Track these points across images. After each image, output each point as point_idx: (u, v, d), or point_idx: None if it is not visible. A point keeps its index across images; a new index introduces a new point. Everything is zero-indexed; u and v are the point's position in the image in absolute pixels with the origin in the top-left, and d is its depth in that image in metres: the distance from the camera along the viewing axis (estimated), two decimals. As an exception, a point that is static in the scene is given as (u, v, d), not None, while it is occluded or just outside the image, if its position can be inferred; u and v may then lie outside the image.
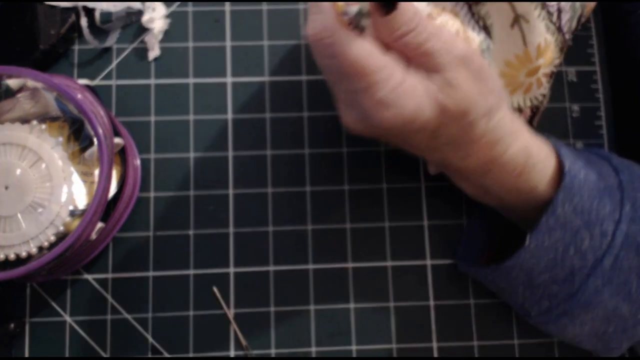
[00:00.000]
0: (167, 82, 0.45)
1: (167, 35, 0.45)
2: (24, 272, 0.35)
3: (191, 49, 0.45)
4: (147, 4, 0.45)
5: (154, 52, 0.45)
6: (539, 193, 0.34)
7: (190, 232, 0.43)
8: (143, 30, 0.45)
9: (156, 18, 0.45)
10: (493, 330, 0.42)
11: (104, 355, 0.41)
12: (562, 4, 0.36)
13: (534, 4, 0.35)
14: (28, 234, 0.36)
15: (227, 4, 0.46)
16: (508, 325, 0.42)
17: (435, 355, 0.42)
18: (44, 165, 0.37)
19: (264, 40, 0.45)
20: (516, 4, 0.35)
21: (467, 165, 0.34)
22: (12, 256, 0.36)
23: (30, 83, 0.39)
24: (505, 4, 0.35)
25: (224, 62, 0.45)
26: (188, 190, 0.43)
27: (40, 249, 0.37)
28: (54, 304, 0.41)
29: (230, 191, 0.43)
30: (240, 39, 0.45)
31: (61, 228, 0.37)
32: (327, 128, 0.44)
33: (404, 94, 0.30)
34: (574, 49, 0.46)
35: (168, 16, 0.45)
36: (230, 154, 0.44)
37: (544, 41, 0.36)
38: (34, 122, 0.38)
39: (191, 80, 0.45)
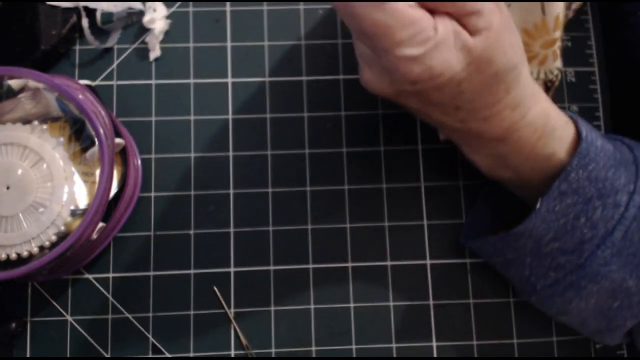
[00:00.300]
0: (168, 82, 0.45)
1: (168, 35, 0.45)
2: (25, 272, 0.35)
3: (192, 49, 0.45)
4: (148, 4, 0.45)
5: (154, 53, 0.45)
6: (556, 160, 0.34)
7: (191, 232, 0.43)
8: (144, 30, 0.45)
9: (157, 18, 0.45)
10: (492, 329, 0.42)
11: (105, 354, 0.41)
12: None
13: None
14: (29, 234, 0.37)
15: (228, 4, 0.46)
16: (507, 325, 0.42)
17: (435, 354, 0.42)
18: (45, 165, 0.37)
19: (264, 41, 0.46)
20: None
21: (486, 129, 0.33)
22: (13, 256, 0.37)
23: (32, 83, 0.39)
24: None
25: (224, 62, 0.45)
26: (189, 190, 0.43)
27: (42, 248, 0.37)
28: (55, 304, 0.41)
29: (231, 191, 0.43)
30: (240, 39, 0.46)
31: (62, 228, 0.37)
32: (327, 128, 0.44)
33: (435, 47, 0.28)
34: (572, 50, 0.46)
35: (169, 17, 0.46)
36: (231, 154, 0.44)
37: (562, 14, 0.35)
38: (35, 123, 0.38)
39: (192, 81, 0.45)
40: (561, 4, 0.35)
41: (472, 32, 0.29)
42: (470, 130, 0.34)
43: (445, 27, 0.29)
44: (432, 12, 0.29)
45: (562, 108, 0.45)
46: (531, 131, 0.33)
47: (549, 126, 0.33)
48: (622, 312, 0.35)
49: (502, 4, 0.31)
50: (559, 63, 0.37)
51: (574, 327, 0.39)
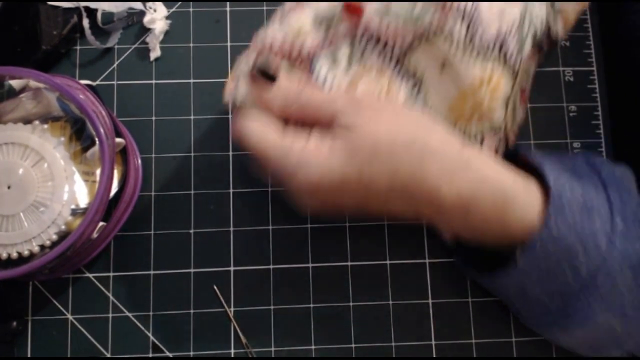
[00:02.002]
0: (168, 82, 0.45)
1: (168, 35, 0.46)
2: (26, 271, 0.36)
3: (192, 49, 0.45)
4: (149, 4, 0.45)
5: (155, 53, 0.45)
6: (529, 224, 0.33)
7: (191, 231, 0.43)
8: (144, 30, 0.45)
9: (157, 19, 0.45)
10: (491, 328, 0.42)
11: (105, 353, 0.41)
12: (502, 34, 0.35)
13: (452, 47, 0.35)
14: (30, 233, 0.37)
15: (228, 4, 0.46)
16: (506, 324, 0.42)
17: (434, 352, 0.42)
18: (46, 165, 0.38)
19: (264, 41, 0.46)
20: (435, 50, 0.35)
21: (439, 209, 0.33)
22: (14, 255, 0.37)
23: (33, 83, 0.39)
24: (429, 52, 0.36)
25: (224, 62, 0.45)
26: (189, 189, 0.43)
27: (42, 247, 0.37)
28: (55, 302, 0.42)
29: (231, 190, 0.43)
30: (240, 39, 0.46)
31: (63, 227, 0.37)
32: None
33: (307, 157, 0.31)
34: (571, 50, 0.46)
35: (169, 17, 0.46)
36: (231, 153, 0.44)
37: (480, 76, 0.35)
38: (36, 122, 0.39)
39: (192, 81, 0.45)
40: (474, 70, 0.35)
41: (340, 131, 0.32)
42: (427, 217, 0.34)
43: (314, 138, 0.32)
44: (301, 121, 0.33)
45: (561, 107, 0.45)
46: (490, 204, 0.32)
47: (509, 195, 0.33)
48: (609, 346, 0.35)
49: (364, 95, 0.34)
50: (498, 115, 0.37)
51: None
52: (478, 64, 0.35)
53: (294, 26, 0.34)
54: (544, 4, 0.37)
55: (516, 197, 0.33)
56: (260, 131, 0.33)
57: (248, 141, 0.33)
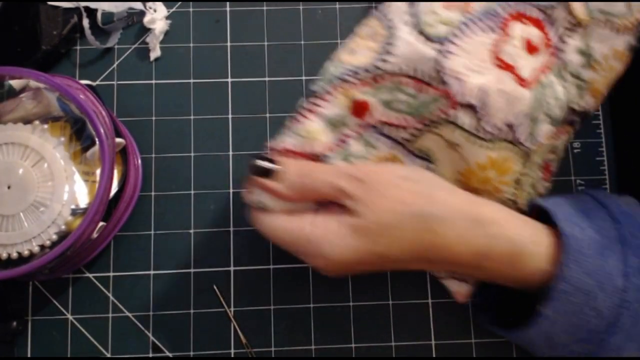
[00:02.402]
0: (168, 82, 0.45)
1: (168, 35, 0.46)
2: (26, 271, 0.36)
3: (192, 50, 0.45)
4: (149, 4, 0.45)
5: (155, 53, 0.45)
6: (543, 273, 0.33)
7: (191, 231, 0.43)
8: (144, 30, 0.45)
9: (157, 19, 0.45)
10: (491, 328, 0.42)
11: (105, 353, 0.41)
12: (511, 119, 0.34)
13: (457, 132, 0.35)
14: (30, 233, 0.37)
15: (228, 4, 0.46)
16: (506, 324, 0.42)
17: (434, 352, 0.42)
18: (46, 165, 0.38)
19: (264, 41, 0.46)
20: (442, 134, 0.36)
21: (457, 269, 0.35)
22: (14, 255, 0.37)
23: (33, 83, 0.39)
24: (435, 137, 0.36)
25: (224, 62, 0.45)
26: (189, 189, 0.43)
27: (42, 247, 0.37)
28: (55, 302, 0.42)
29: (231, 190, 0.44)
30: (240, 39, 0.46)
31: (63, 227, 0.37)
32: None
33: (318, 240, 0.33)
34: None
35: (169, 17, 0.46)
36: (231, 153, 0.44)
37: (487, 158, 0.35)
38: (36, 122, 0.39)
39: (192, 81, 0.45)
40: (481, 153, 0.35)
41: (348, 210, 0.33)
42: (444, 270, 0.37)
43: (323, 219, 0.34)
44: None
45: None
46: (501, 257, 0.33)
47: (517, 248, 0.33)
48: None
49: (368, 172, 0.34)
50: (508, 194, 0.37)
51: None
52: (485, 147, 0.35)
53: (304, 132, 0.35)
54: (562, 84, 0.36)
55: (530, 248, 0.33)
56: (270, 221, 0.35)
57: (264, 231, 0.35)
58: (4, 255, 0.37)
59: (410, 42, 0.34)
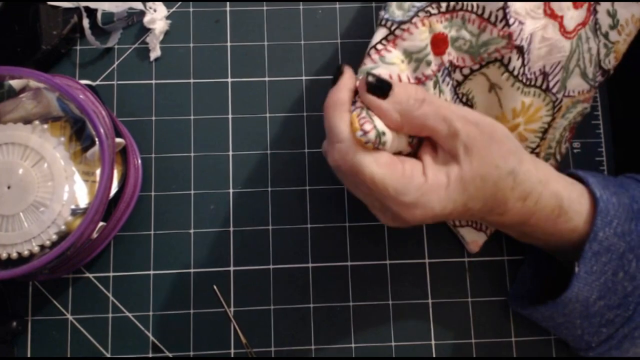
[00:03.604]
0: (168, 82, 0.45)
1: (168, 35, 0.46)
2: (26, 271, 0.36)
3: (192, 49, 0.45)
4: (149, 4, 0.45)
5: (155, 53, 0.45)
6: (580, 232, 0.34)
7: (191, 231, 0.43)
8: (144, 30, 0.45)
9: (157, 19, 0.45)
10: (491, 328, 0.42)
11: (105, 353, 0.41)
12: (547, 69, 0.37)
13: (505, 74, 0.36)
14: (30, 233, 0.37)
15: (228, 4, 0.46)
16: (506, 323, 0.42)
17: (434, 352, 0.42)
18: (46, 165, 0.38)
19: (264, 41, 0.46)
20: (489, 74, 0.37)
21: (504, 221, 0.35)
22: (14, 255, 0.37)
23: (33, 83, 0.39)
24: (481, 78, 0.37)
25: (224, 62, 0.45)
26: (189, 189, 0.43)
27: (42, 247, 0.37)
28: (55, 303, 0.42)
29: (230, 190, 0.44)
30: (240, 39, 0.46)
31: (63, 227, 0.37)
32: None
33: (429, 192, 0.32)
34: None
35: (169, 17, 0.46)
36: (231, 153, 0.44)
37: (520, 104, 0.37)
38: (36, 122, 0.39)
39: (192, 81, 0.45)
40: (518, 97, 0.37)
41: (455, 156, 0.32)
42: (490, 222, 0.36)
43: (434, 170, 0.32)
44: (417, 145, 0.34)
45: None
46: (547, 213, 0.34)
47: (564, 205, 0.34)
48: None
49: (482, 117, 0.33)
50: (530, 143, 0.40)
51: None
52: (522, 92, 0.37)
53: (389, 62, 0.34)
54: (595, 41, 0.39)
55: (573, 206, 0.34)
56: (374, 159, 0.32)
57: (363, 175, 0.32)
58: (4, 255, 0.37)
59: None
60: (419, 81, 0.35)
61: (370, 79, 0.32)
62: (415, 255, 0.43)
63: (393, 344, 0.42)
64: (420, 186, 0.32)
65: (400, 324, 0.42)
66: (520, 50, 0.36)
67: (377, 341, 0.42)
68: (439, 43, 0.35)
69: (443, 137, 0.32)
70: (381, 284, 0.43)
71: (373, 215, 0.43)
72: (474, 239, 0.42)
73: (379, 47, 0.34)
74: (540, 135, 0.39)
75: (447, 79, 0.37)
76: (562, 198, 0.34)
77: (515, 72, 0.36)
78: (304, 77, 0.45)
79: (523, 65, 0.36)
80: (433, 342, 0.42)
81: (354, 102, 0.33)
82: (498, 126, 0.33)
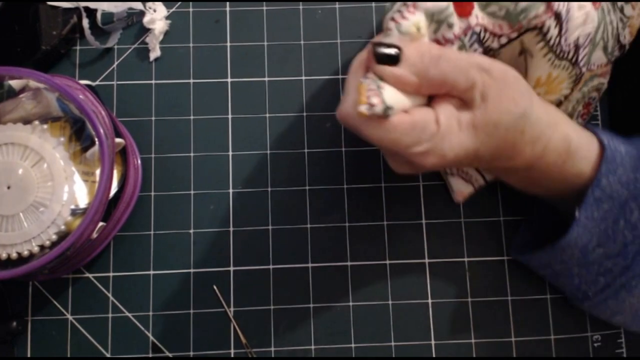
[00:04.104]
0: (168, 82, 0.45)
1: (168, 35, 0.46)
2: (25, 271, 0.36)
3: (192, 49, 0.45)
4: (148, 4, 0.45)
5: (154, 53, 0.45)
6: (585, 178, 0.34)
7: (191, 231, 0.43)
8: (144, 30, 0.45)
9: (157, 19, 0.45)
10: (491, 328, 0.42)
11: (105, 353, 0.41)
12: (580, 41, 0.36)
13: (540, 43, 0.35)
14: (30, 233, 0.37)
15: (228, 4, 0.46)
16: (506, 323, 0.42)
17: (434, 352, 0.42)
18: (45, 165, 0.38)
19: (264, 41, 0.46)
20: (524, 40, 0.36)
21: (512, 164, 0.34)
22: (14, 255, 0.37)
23: (32, 83, 0.39)
24: (515, 42, 0.36)
25: (224, 62, 0.45)
26: (188, 189, 0.43)
27: (42, 247, 0.37)
28: (55, 303, 0.42)
29: (230, 190, 0.44)
30: (240, 39, 0.46)
31: (63, 227, 0.37)
32: (326, 127, 0.45)
33: (442, 140, 0.31)
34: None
35: (169, 17, 0.46)
36: (230, 153, 0.44)
37: (546, 75, 0.37)
38: (36, 123, 0.39)
39: (192, 81, 0.45)
40: (546, 68, 0.37)
41: (470, 105, 0.31)
42: (497, 168, 0.36)
43: (446, 116, 0.31)
44: (432, 97, 0.32)
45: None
46: (555, 156, 0.34)
47: (572, 148, 0.34)
48: None
49: (492, 62, 0.32)
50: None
51: (625, 326, 0.40)
52: (551, 64, 0.37)
53: (413, 28, 0.32)
54: (615, 15, 0.39)
55: (580, 151, 0.34)
56: (383, 131, 0.31)
57: (371, 137, 0.31)
58: (4, 255, 0.37)
59: None
60: (439, 43, 0.33)
61: (377, 49, 0.31)
62: (415, 255, 0.43)
63: (393, 344, 0.42)
64: (433, 135, 0.31)
65: (400, 324, 0.42)
66: (558, 17, 0.35)
67: (377, 341, 0.42)
68: (462, 3, 0.34)
69: (462, 90, 0.32)
70: (381, 284, 0.43)
71: (373, 215, 0.43)
72: (460, 190, 0.42)
73: (396, 15, 0.32)
74: (567, 109, 0.39)
75: (476, 45, 0.35)
76: (570, 142, 0.34)
77: (552, 42, 0.35)
78: (303, 77, 0.45)
79: (560, 34, 0.35)
80: (433, 342, 0.42)
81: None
82: (509, 70, 0.32)
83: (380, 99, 0.30)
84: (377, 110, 0.30)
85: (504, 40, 0.35)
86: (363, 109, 0.30)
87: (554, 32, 0.35)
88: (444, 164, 0.32)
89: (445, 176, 0.43)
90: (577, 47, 0.37)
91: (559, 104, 0.39)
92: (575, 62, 0.37)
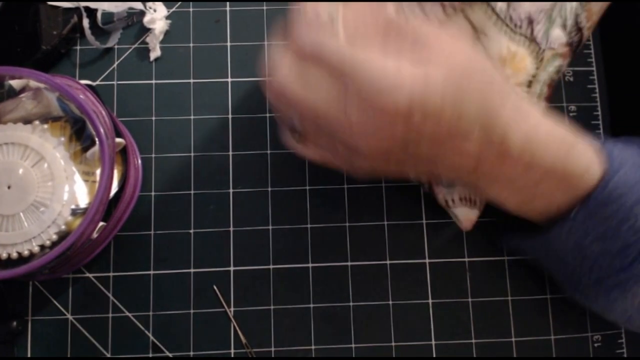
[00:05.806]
0: (168, 82, 0.45)
1: (168, 35, 0.46)
2: (26, 271, 0.36)
3: (192, 49, 0.45)
4: (149, 4, 0.45)
5: (155, 53, 0.45)
6: (591, 178, 0.33)
7: (191, 231, 0.43)
8: (144, 30, 0.45)
9: (157, 19, 0.45)
10: (491, 328, 0.42)
11: (105, 353, 0.41)
12: (533, 14, 0.36)
13: (489, 16, 0.36)
14: (30, 233, 0.37)
15: (228, 4, 0.46)
16: (506, 323, 0.42)
17: (434, 352, 0.42)
18: (46, 165, 0.38)
19: (264, 41, 0.46)
20: (472, 17, 0.36)
21: (503, 160, 0.32)
22: (14, 255, 0.37)
23: (33, 83, 0.39)
24: (463, 21, 0.36)
25: (224, 62, 0.45)
26: (189, 189, 0.43)
27: (42, 247, 0.37)
28: (55, 302, 0.42)
29: (231, 190, 0.44)
30: (240, 39, 0.46)
31: (63, 227, 0.37)
32: (326, 128, 0.45)
33: (402, 79, 0.28)
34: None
35: (169, 17, 0.46)
36: (231, 153, 0.44)
37: (506, 49, 0.37)
38: (36, 122, 0.39)
39: (192, 81, 0.45)
40: (505, 43, 0.37)
41: (412, 55, 0.29)
42: (491, 163, 0.33)
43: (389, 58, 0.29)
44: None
45: (561, 107, 0.45)
46: (558, 143, 0.33)
47: (571, 141, 0.33)
48: None
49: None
50: (524, 92, 0.39)
51: (617, 324, 0.39)
52: (508, 36, 0.37)
53: None
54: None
55: (578, 144, 0.33)
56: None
57: (324, 52, 0.29)
58: (4, 255, 0.37)
59: None
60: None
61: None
62: (415, 255, 0.43)
63: (393, 344, 0.42)
64: (396, 70, 0.29)
65: (400, 324, 0.42)
66: None
67: (377, 341, 0.42)
68: None
69: (412, 39, 0.30)
70: (381, 284, 0.43)
71: (373, 215, 0.43)
72: (467, 217, 0.41)
73: None
74: (526, 90, 0.39)
75: (417, 10, 0.34)
76: (567, 135, 0.33)
77: (502, 15, 0.36)
78: (304, 77, 0.45)
79: (508, 6, 0.36)
80: (433, 342, 0.42)
81: None
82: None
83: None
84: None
85: (450, 10, 0.35)
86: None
87: (502, 5, 0.36)
88: (409, 114, 0.28)
89: (449, 210, 0.42)
90: (530, 21, 0.37)
91: (529, 85, 0.38)
92: (532, 37, 0.37)
